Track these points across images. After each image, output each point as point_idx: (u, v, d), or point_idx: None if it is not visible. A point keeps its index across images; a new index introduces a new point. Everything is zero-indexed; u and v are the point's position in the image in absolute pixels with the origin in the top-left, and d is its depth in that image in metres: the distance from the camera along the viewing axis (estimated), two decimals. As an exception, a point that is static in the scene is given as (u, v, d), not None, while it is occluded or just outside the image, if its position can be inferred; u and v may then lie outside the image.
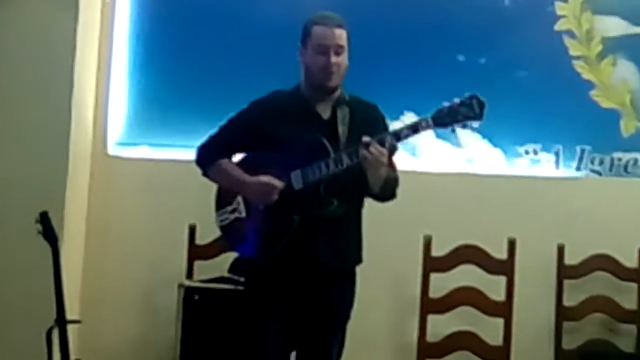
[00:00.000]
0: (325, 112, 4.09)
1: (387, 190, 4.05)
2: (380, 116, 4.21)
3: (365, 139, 3.88)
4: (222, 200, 4.19)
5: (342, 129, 4.04)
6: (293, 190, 3.99)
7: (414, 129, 3.91)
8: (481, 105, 3.85)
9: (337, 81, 4.06)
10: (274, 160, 4.04)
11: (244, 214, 4.12)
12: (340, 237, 4.07)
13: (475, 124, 3.89)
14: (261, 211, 4.05)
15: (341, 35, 4.04)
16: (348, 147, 3.97)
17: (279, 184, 3.99)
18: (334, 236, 4.04)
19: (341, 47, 4.03)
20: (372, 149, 3.86)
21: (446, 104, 3.87)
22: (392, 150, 3.99)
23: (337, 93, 4.10)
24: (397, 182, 4.11)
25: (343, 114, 4.07)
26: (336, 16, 4.09)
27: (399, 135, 3.93)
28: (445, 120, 3.86)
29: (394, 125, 5.43)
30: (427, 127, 3.89)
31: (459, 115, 3.85)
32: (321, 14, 4.10)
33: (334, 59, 4.00)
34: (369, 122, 4.10)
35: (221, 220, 4.18)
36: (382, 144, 3.88)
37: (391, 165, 4.05)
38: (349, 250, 4.15)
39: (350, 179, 3.96)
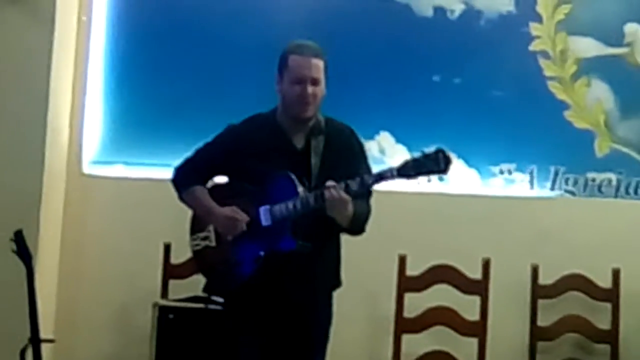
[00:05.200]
0: (299, 141, 4.07)
1: (356, 225, 4.03)
2: (356, 140, 4.19)
3: (329, 183, 3.86)
4: (196, 226, 4.20)
5: (314, 161, 4.03)
6: (261, 226, 3.99)
7: (379, 178, 3.88)
8: (447, 160, 3.78)
9: (312, 112, 4.03)
10: (246, 192, 4.04)
11: (214, 243, 4.12)
12: (312, 271, 4.05)
13: (439, 178, 3.88)
14: (229, 242, 4.05)
15: (318, 65, 3.99)
16: (320, 178, 3.96)
17: (243, 217, 3.99)
18: (304, 270, 4.02)
19: (317, 77, 3.99)
20: (334, 192, 3.83)
21: (414, 155, 3.85)
22: (357, 193, 3.91)
23: (313, 121, 4.08)
24: (367, 217, 4.07)
25: (317, 143, 4.05)
26: (314, 45, 4.04)
27: (364, 183, 3.89)
28: (409, 172, 3.82)
29: (370, 145, 5.52)
30: (392, 177, 3.85)
31: (423, 168, 3.81)
32: (298, 43, 4.05)
33: (310, 89, 3.97)
34: (344, 151, 4.10)
35: (193, 245, 4.20)
36: (347, 189, 3.84)
37: (367, 201, 4.04)
38: (324, 280, 4.15)
39: (322, 216, 3.93)
